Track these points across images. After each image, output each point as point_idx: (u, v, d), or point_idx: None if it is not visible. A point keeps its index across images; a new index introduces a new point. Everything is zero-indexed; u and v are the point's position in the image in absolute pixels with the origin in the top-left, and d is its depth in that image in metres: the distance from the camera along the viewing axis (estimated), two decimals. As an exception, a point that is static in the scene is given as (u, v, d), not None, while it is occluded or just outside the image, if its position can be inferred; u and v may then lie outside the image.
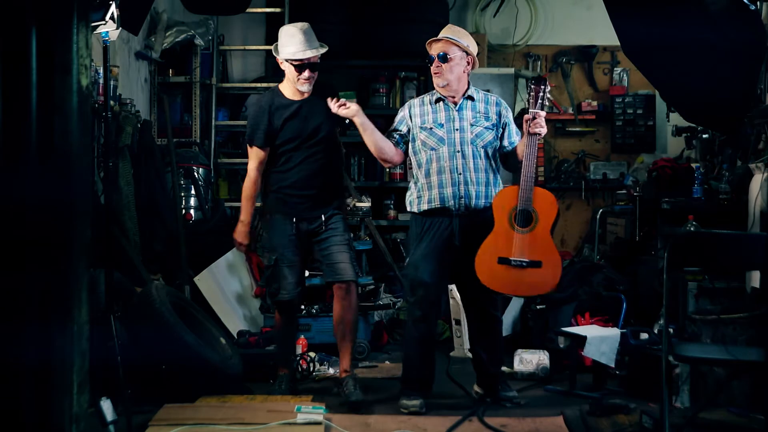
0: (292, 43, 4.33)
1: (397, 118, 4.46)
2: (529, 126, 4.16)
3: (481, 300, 4.34)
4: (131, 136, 5.10)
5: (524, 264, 4.10)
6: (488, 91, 4.51)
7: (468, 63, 4.34)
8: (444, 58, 4.28)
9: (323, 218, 4.43)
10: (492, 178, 4.34)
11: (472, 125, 4.32)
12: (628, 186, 6.37)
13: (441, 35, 4.34)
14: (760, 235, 4.10)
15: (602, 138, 7.46)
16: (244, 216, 4.47)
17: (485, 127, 4.33)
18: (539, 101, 4.21)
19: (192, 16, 6.31)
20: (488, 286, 4.18)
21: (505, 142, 4.38)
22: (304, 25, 4.40)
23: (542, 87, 4.22)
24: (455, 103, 4.35)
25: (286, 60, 4.35)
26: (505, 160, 4.41)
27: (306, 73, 4.34)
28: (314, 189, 4.40)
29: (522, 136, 4.30)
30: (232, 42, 7.22)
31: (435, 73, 4.33)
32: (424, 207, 4.30)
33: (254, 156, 4.43)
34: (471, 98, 4.37)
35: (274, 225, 4.45)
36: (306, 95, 4.42)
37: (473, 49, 4.35)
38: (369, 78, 7.09)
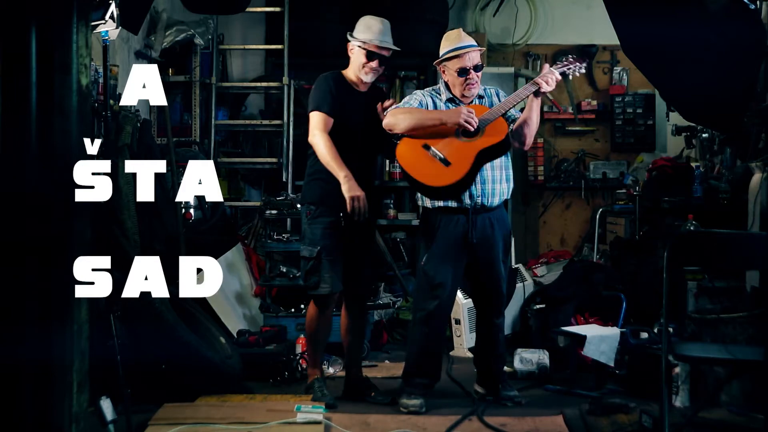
0: (371, 31, 4.28)
1: (415, 102, 4.31)
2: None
3: (490, 305, 4.35)
4: (131, 135, 5.10)
5: (438, 157, 4.11)
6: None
7: None
8: (480, 67, 4.23)
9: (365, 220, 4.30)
10: (506, 174, 4.29)
11: None
12: (628, 185, 6.37)
13: (466, 44, 4.22)
14: (760, 234, 4.10)
15: (602, 137, 7.47)
16: (345, 170, 4.16)
17: None
18: (564, 68, 4.16)
19: (192, 15, 6.31)
20: (400, 163, 4.24)
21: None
22: (386, 20, 4.35)
23: (578, 64, 4.18)
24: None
25: (360, 45, 4.28)
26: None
27: (374, 63, 4.27)
28: (364, 186, 4.26)
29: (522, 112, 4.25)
30: (232, 41, 7.22)
31: (471, 85, 4.23)
32: (439, 204, 4.25)
33: (319, 121, 4.22)
34: (480, 96, 4.32)
35: (319, 215, 4.28)
36: (365, 88, 4.36)
37: None
38: (368, 77, 7.07)
